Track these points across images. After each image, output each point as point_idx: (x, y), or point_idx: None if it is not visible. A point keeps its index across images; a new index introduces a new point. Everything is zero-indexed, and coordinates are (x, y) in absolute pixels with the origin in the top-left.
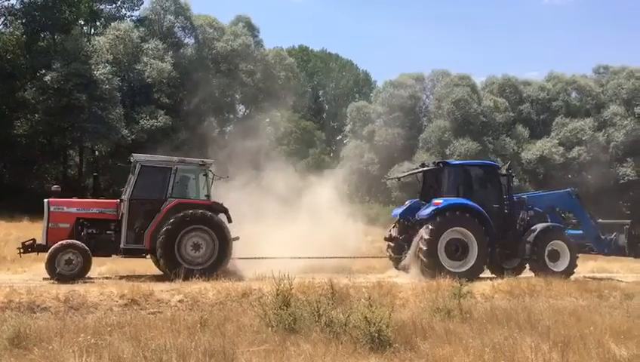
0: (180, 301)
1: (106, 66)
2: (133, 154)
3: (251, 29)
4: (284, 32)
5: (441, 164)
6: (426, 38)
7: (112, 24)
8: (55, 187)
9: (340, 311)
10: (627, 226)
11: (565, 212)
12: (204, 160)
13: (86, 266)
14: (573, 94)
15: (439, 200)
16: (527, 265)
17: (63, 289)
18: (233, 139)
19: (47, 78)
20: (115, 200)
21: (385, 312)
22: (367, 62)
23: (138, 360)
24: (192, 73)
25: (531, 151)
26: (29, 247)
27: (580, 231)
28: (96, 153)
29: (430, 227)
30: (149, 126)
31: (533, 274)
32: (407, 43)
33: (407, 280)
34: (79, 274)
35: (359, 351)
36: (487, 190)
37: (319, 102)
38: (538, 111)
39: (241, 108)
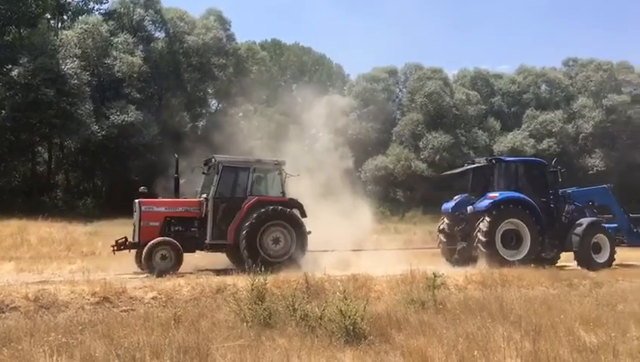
0: (153, 298)
1: (75, 61)
2: (214, 155)
3: (222, 22)
4: (256, 26)
5: (493, 161)
6: (399, 32)
7: (80, 18)
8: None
9: (315, 304)
10: None
11: (594, 205)
12: (278, 160)
13: (178, 261)
14: (543, 87)
15: (495, 194)
16: (560, 256)
17: (33, 288)
18: (206, 134)
19: (14, 73)
20: (198, 200)
21: (360, 305)
22: (340, 56)
23: (110, 359)
24: (163, 67)
25: (503, 144)
26: (122, 245)
27: (615, 225)
28: (65, 150)
29: (488, 219)
30: (119, 121)
31: (575, 265)
32: (380, 37)
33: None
34: (173, 268)
35: (334, 344)
36: (536, 185)
37: (293, 96)
38: (509, 104)
39: (213, 103)
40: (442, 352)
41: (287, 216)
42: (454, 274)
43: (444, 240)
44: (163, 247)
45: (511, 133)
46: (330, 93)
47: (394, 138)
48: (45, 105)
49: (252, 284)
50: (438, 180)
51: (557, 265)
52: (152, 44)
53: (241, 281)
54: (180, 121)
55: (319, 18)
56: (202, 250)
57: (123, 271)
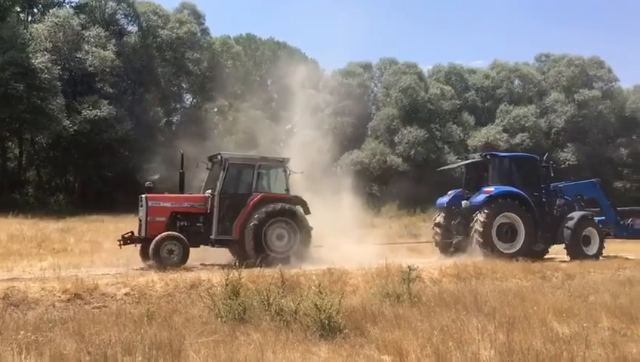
0: (126, 294)
1: (45, 55)
2: (221, 152)
3: (197, 16)
4: (230, 20)
5: (488, 156)
6: (373, 27)
7: (51, 11)
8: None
9: (290, 299)
10: None
11: (583, 199)
12: (283, 157)
13: (185, 255)
14: (517, 82)
15: (490, 189)
16: (549, 248)
17: (2, 286)
18: (181, 129)
19: None
20: (203, 195)
21: (335, 299)
22: (315, 51)
23: (81, 356)
24: (136, 62)
25: (477, 138)
26: (128, 239)
27: (602, 218)
28: (36, 145)
29: (484, 213)
30: (91, 116)
31: (566, 257)
32: (354, 32)
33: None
34: (180, 262)
35: (309, 339)
36: (529, 179)
37: (268, 91)
38: (483, 99)
39: (188, 98)
40: (417, 345)
41: (292, 212)
42: (429, 268)
43: (440, 233)
44: (170, 242)
45: (485, 128)
46: (306, 88)
47: (369, 133)
48: (15, 100)
49: (226, 279)
50: (412, 175)
51: (546, 257)
52: (124, 38)
53: (215, 277)
54: (153, 116)
55: (294, 13)
56: (207, 245)
57: (96, 268)
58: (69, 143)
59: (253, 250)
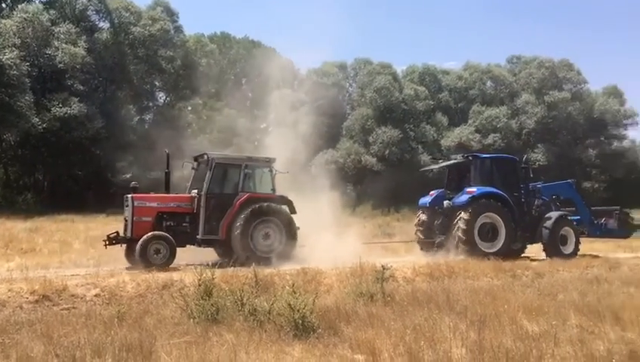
0: (96, 295)
1: (14, 51)
2: (207, 152)
3: (170, 13)
4: (204, 19)
5: (470, 157)
6: (348, 27)
7: (20, 6)
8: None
9: (264, 299)
10: (617, 212)
11: (559, 199)
12: (269, 157)
13: (172, 255)
14: (489, 83)
15: (473, 189)
16: (526, 247)
17: None
18: (154, 128)
19: None
20: (189, 195)
21: (309, 299)
22: (290, 50)
23: (49, 358)
24: (107, 59)
25: (450, 138)
26: (114, 239)
27: (578, 217)
28: (4, 143)
29: (467, 213)
30: (61, 114)
31: (544, 255)
32: (329, 31)
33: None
34: (167, 262)
35: (283, 338)
36: (509, 180)
37: (243, 90)
38: (456, 100)
39: (161, 96)
40: (390, 344)
41: (278, 212)
42: (403, 267)
43: (422, 233)
44: (157, 242)
45: (458, 128)
46: (281, 87)
47: (344, 132)
48: None
49: (199, 280)
50: (386, 175)
51: (523, 255)
52: (95, 35)
53: (188, 277)
54: (125, 114)
55: (268, 12)
56: (193, 244)
57: (65, 268)
58: (38, 141)
59: (239, 250)
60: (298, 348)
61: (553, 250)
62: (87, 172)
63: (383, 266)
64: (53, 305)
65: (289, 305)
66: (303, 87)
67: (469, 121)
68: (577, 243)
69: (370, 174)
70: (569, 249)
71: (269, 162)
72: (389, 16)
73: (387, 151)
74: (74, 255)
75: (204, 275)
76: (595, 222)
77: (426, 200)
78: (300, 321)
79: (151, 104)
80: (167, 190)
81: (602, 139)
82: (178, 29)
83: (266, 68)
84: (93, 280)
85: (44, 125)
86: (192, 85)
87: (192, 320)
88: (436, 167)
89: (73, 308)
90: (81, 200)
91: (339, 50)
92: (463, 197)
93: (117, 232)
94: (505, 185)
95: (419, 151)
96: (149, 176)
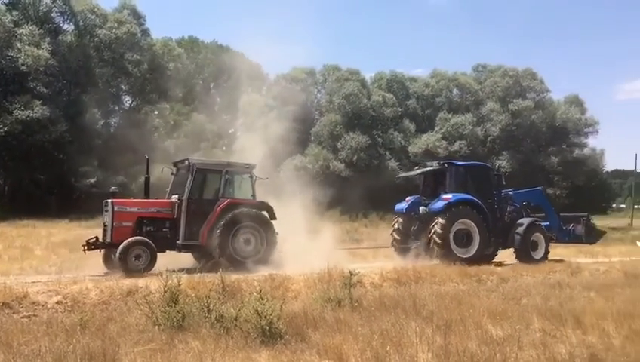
0: (57, 302)
1: None
2: (188, 157)
3: (137, 16)
4: (172, 23)
5: (446, 165)
6: (317, 33)
7: None
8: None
9: (231, 305)
10: (584, 218)
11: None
12: (249, 163)
13: (152, 261)
14: (455, 91)
15: (448, 196)
16: (497, 252)
17: None
18: (120, 132)
19: None
20: (170, 201)
21: (276, 304)
22: (259, 55)
23: None
24: (72, 61)
25: (417, 145)
26: (93, 245)
27: (547, 223)
28: None
29: (442, 219)
30: (24, 117)
31: (515, 260)
32: (298, 37)
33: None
34: (147, 268)
35: (250, 345)
36: (482, 187)
37: (211, 95)
38: (423, 107)
39: (127, 100)
40: (357, 349)
41: (258, 218)
42: (370, 272)
43: (398, 239)
44: (138, 247)
45: (425, 135)
46: (249, 92)
47: (313, 138)
48: None
49: (165, 286)
50: (354, 180)
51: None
52: (60, 37)
53: (154, 283)
54: (90, 118)
55: (237, 17)
56: (173, 250)
57: (26, 275)
58: None
59: (220, 255)
60: (265, 355)
61: (524, 255)
62: (49, 176)
63: (350, 272)
64: (14, 313)
65: (256, 311)
66: (272, 92)
67: (436, 128)
68: (547, 248)
69: (338, 180)
70: (539, 254)
71: (249, 168)
72: (358, 24)
73: (355, 157)
74: (35, 261)
75: (170, 281)
76: (564, 228)
77: (402, 206)
78: (267, 327)
79: (117, 108)
80: (147, 195)
81: (564, 146)
82: (145, 33)
83: (234, 72)
84: (55, 287)
85: (6, 128)
86: (159, 89)
87: (157, 327)
88: (413, 173)
89: (34, 315)
90: (43, 205)
91: (307, 56)
92: (439, 204)
93: (96, 237)
94: (479, 191)
95: (387, 157)
96: (115, 180)
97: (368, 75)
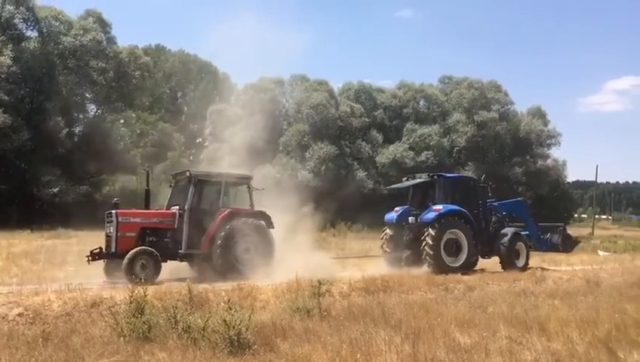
0: (19, 314)
1: None
2: (189, 169)
3: (102, 24)
4: (138, 31)
5: (435, 177)
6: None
7: None
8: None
9: (199, 316)
10: (561, 228)
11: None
12: (247, 174)
13: (157, 270)
14: (422, 102)
15: (439, 207)
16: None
17: None
18: (84, 141)
19: None
20: (171, 211)
21: (244, 314)
22: (227, 64)
23: None
24: (35, 69)
25: (385, 155)
26: (97, 255)
27: (526, 232)
28: None
29: (434, 229)
30: None
31: (500, 268)
32: (266, 46)
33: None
34: (152, 277)
35: (218, 356)
36: (469, 198)
37: (178, 104)
38: (391, 118)
39: (92, 108)
40: (326, 358)
41: (258, 227)
42: (339, 282)
43: (388, 248)
44: (142, 257)
45: (392, 146)
46: (217, 101)
47: (281, 148)
48: None
49: (131, 296)
50: (322, 190)
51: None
52: (23, 44)
53: (119, 294)
54: (54, 126)
55: (204, 26)
56: (175, 259)
57: None
58: None
59: (221, 264)
60: None
61: (508, 263)
62: (10, 186)
63: (319, 281)
64: None
65: (224, 321)
66: (240, 101)
67: (403, 139)
68: (528, 256)
69: (306, 190)
70: (521, 262)
71: (247, 179)
72: (326, 35)
73: (323, 167)
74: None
75: (136, 292)
76: (542, 237)
77: (392, 216)
78: (236, 338)
79: (81, 116)
80: (147, 206)
81: (528, 157)
82: (111, 40)
83: (202, 82)
84: (16, 298)
85: None
86: (125, 98)
87: (122, 338)
88: (403, 185)
89: None
90: (4, 215)
91: (276, 65)
92: (430, 215)
93: (100, 248)
94: (465, 202)
95: (354, 167)
96: (78, 190)
97: (336, 86)
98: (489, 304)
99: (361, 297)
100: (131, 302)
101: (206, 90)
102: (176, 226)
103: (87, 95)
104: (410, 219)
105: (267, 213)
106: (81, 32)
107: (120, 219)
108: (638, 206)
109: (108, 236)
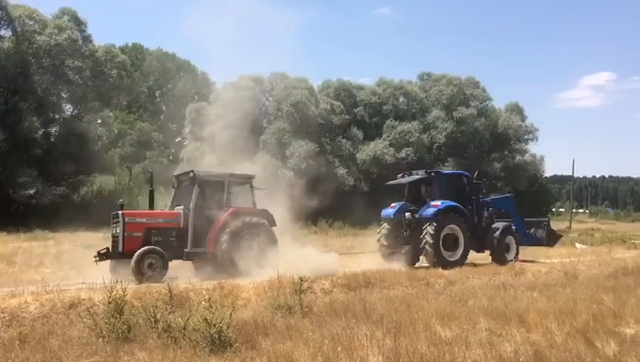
0: None
1: None
2: (193, 169)
3: (78, 23)
4: (115, 29)
5: (433, 173)
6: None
7: None
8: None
9: (179, 315)
10: (545, 223)
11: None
12: (249, 174)
13: (164, 269)
14: (401, 99)
15: (437, 203)
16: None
17: None
18: (60, 141)
19: None
20: (176, 211)
21: (225, 313)
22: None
23: None
24: (9, 68)
25: (365, 152)
26: (104, 255)
27: (514, 228)
28: None
29: (434, 225)
30: None
31: (490, 261)
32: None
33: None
34: (159, 276)
35: (199, 354)
36: (465, 194)
37: (156, 103)
38: (370, 115)
39: (68, 108)
40: (308, 354)
41: (261, 225)
42: (320, 279)
43: (385, 243)
44: (151, 256)
45: (373, 142)
46: (196, 100)
47: (261, 146)
48: None
49: (109, 297)
50: (303, 187)
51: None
52: None
53: (97, 295)
54: (29, 126)
55: (182, 24)
56: (180, 258)
57: None
58: None
59: (225, 262)
60: None
61: (499, 256)
62: None
63: (300, 278)
64: None
65: (205, 319)
66: (219, 100)
67: (384, 136)
68: (517, 250)
69: (286, 187)
70: (511, 256)
71: (249, 178)
72: (305, 32)
73: (304, 165)
74: None
75: (115, 292)
76: (527, 231)
77: (389, 211)
78: (217, 336)
79: (57, 116)
80: (152, 207)
81: (506, 153)
82: (87, 39)
83: (180, 81)
84: None
85: None
86: (102, 97)
87: (101, 339)
88: (402, 181)
89: None
90: None
91: (255, 63)
92: (430, 211)
93: (107, 248)
94: (460, 198)
95: (335, 164)
96: (55, 191)
97: (316, 84)
98: (469, 297)
99: (342, 293)
100: (110, 303)
101: (185, 88)
102: (181, 226)
103: (63, 94)
104: (407, 214)
105: (269, 211)
106: (56, 30)
107: (126, 219)
108: (613, 199)
109: (114, 236)
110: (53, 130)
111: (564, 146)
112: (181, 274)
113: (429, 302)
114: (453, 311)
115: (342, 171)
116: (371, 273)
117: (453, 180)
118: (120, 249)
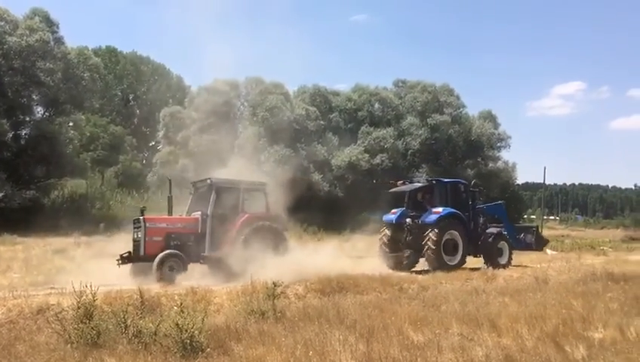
0: None
1: None
2: (210, 177)
3: (50, 24)
4: (88, 32)
5: (434, 181)
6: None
7: None
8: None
9: (150, 320)
10: (533, 229)
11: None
12: (263, 181)
13: (184, 272)
14: (377, 105)
15: (439, 210)
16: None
17: None
18: (31, 144)
19: None
20: (194, 217)
21: (197, 318)
22: (180, 67)
23: None
24: None
25: (340, 158)
26: (127, 258)
27: (505, 233)
28: None
29: (436, 230)
30: None
31: (484, 266)
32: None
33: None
34: (177, 277)
35: (170, 360)
36: (462, 201)
37: (130, 107)
38: (346, 120)
39: (39, 110)
40: (281, 359)
41: (274, 230)
42: (294, 284)
43: (386, 248)
44: (171, 259)
45: (348, 148)
46: (170, 104)
47: (236, 151)
48: None
49: (78, 302)
50: (277, 193)
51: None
52: None
53: (66, 300)
54: None
55: (156, 28)
56: (197, 262)
57: None
58: None
59: (241, 265)
60: None
61: (492, 261)
62: None
63: (274, 283)
64: None
65: (177, 324)
66: (193, 104)
67: (359, 142)
68: (510, 255)
69: None
70: (504, 260)
71: (263, 185)
72: (280, 37)
73: (279, 170)
74: None
75: (84, 297)
76: (518, 237)
77: (391, 217)
78: (188, 341)
79: (28, 118)
80: (170, 213)
81: (479, 160)
82: (59, 41)
83: (154, 84)
84: None
85: None
86: (74, 100)
87: (69, 345)
88: (405, 189)
89: None
90: None
91: (230, 67)
92: (432, 217)
93: (129, 252)
94: (458, 205)
95: (310, 170)
96: (25, 195)
97: (292, 89)
98: (442, 302)
99: (316, 298)
100: (79, 308)
101: (159, 92)
102: (199, 231)
103: (34, 97)
104: (407, 220)
105: (282, 216)
106: (27, 31)
107: (148, 224)
108: (583, 207)
109: (135, 241)
110: (24, 132)
111: (536, 154)
112: (196, 277)
113: (402, 307)
114: (426, 316)
115: (317, 177)
116: (345, 278)
117: (452, 188)
118: (141, 252)
